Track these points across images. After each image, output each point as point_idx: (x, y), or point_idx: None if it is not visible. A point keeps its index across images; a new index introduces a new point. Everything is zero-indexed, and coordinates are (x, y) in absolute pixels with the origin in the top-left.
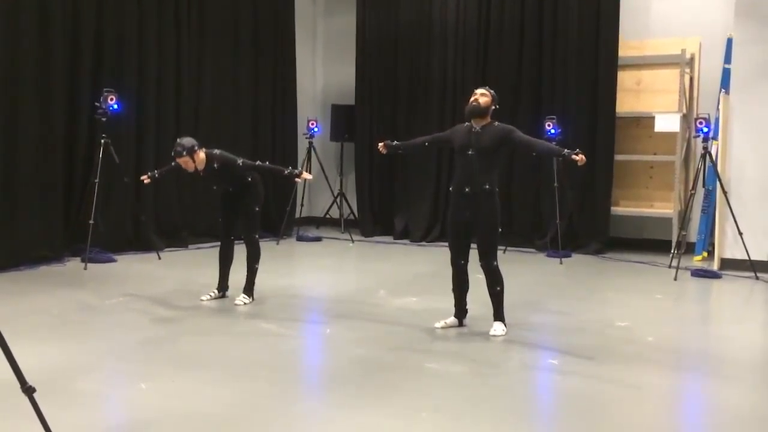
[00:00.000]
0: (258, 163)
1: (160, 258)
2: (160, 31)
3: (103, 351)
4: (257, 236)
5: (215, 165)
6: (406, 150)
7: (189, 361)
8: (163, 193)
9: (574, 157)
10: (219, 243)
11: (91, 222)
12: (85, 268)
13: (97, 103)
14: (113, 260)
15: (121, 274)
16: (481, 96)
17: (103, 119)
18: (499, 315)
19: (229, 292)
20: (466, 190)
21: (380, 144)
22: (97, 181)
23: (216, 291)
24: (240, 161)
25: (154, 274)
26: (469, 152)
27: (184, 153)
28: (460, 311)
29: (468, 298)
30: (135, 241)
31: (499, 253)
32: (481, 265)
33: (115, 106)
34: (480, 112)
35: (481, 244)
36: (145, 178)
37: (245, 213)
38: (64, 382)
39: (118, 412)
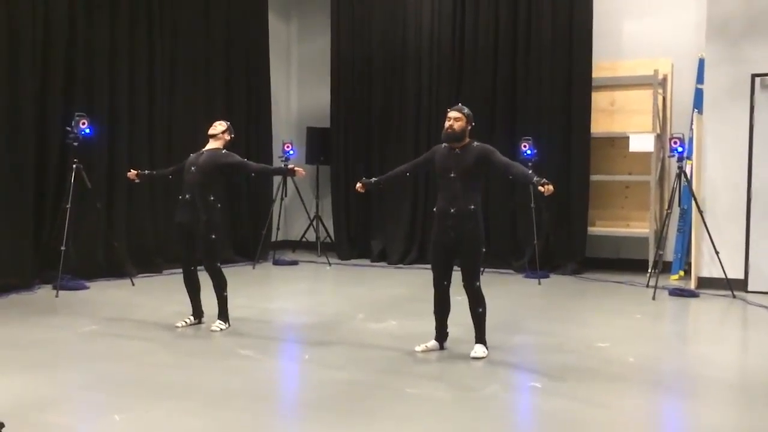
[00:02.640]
0: (254, 164)
1: (133, 284)
2: (132, 55)
3: (74, 382)
4: (218, 264)
5: (223, 150)
6: (386, 184)
7: (164, 390)
8: (137, 219)
9: (540, 188)
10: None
11: (63, 248)
12: (57, 296)
13: (68, 128)
14: (85, 287)
15: (93, 302)
16: (455, 121)
17: (75, 144)
18: (480, 337)
19: (205, 319)
20: (451, 211)
21: (358, 184)
22: (68, 206)
23: (191, 318)
24: (244, 160)
25: (128, 301)
26: (451, 174)
27: (227, 124)
28: (441, 335)
29: (449, 321)
30: (108, 267)
31: None
32: (464, 286)
33: (87, 131)
34: (456, 137)
35: (464, 264)
36: (133, 174)
37: (203, 242)
38: (34, 414)
39: None
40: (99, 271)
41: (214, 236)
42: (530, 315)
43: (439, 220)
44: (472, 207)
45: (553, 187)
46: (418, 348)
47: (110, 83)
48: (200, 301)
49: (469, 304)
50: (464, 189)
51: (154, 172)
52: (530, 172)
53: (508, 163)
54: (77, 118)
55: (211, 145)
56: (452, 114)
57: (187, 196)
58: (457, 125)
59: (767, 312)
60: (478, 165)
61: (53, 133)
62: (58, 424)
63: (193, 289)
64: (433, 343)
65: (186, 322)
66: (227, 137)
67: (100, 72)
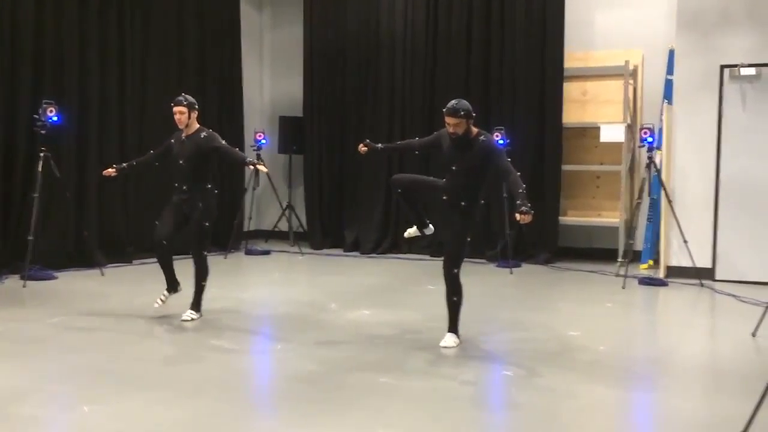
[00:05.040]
0: (232, 153)
1: (103, 274)
2: (102, 42)
3: (43, 373)
4: (205, 253)
5: (202, 134)
6: (388, 152)
7: (135, 381)
8: (107, 208)
9: (517, 213)
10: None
11: (30, 238)
12: (24, 286)
13: (35, 115)
14: (54, 277)
15: (62, 292)
16: (455, 127)
17: (42, 132)
18: (453, 326)
19: (181, 287)
20: (444, 198)
21: (361, 145)
22: (36, 195)
23: (166, 293)
24: (223, 141)
25: (98, 292)
26: (453, 168)
27: (185, 102)
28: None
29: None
30: (77, 257)
31: None
32: (443, 272)
33: (55, 119)
34: (462, 138)
35: (446, 249)
36: (111, 171)
37: (195, 227)
38: (3, 406)
39: None
40: (68, 261)
41: (207, 224)
42: (502, 304)
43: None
44: (464, 203)
45: (522, 221)
46: (406, 234)
47: (80, 70)
48: (173, 273)
49: (446, 292)
50: (463, 184)
51: (134, 163)
52: (522, 191)
53: (508, 170)
54: (45, 105)
55: (189, 129)
56: (450, 120)
57: (184, 187)
58: (459, 130)
59: (734, 300)
60: (482, 164)
61: (21, 121)
62: (27, 416)
63: (167, 263)
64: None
65: (162, 299)
66: (195, 113)
67: (69, 59)
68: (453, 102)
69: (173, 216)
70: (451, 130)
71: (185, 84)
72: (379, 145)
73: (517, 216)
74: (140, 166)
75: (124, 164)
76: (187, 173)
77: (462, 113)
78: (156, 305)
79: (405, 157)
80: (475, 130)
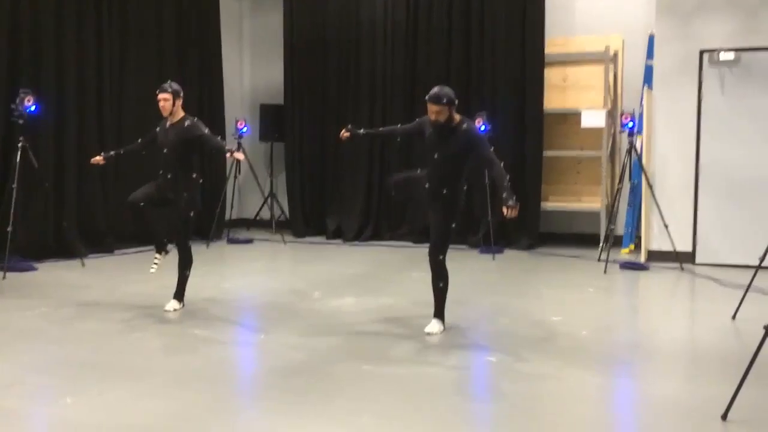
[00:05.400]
0: (215, 141)
1: (84, 265)
2: (79, 30)
3: (24, 365)
4: (189, 243)
5: (186, 123)
6: (370, 138)
7: (117, 372)
8: (87, 198)
9: (504, 207)
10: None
11: (9, 229)
12: (4, 278)
13: (12, 105)
14: (33, 269)
15: (42, 283)
16: (438, 114)
17: (20, 122)
18: (438, 312)
19: (170, 246)
20: (426, 186)
21: (342, 131)
22: (14, 186)
23: (158, 256)
24: (207, 130)
25: (78, 283)
26: (435, 156)
27: (169, 89)
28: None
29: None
30: (57, 247)
31: None
32: (429, 257)
33: (33, 108)
34: (444, 125)
35: (432, 235)
36: (99, 159)
37: (179, 216)
38: None
39: (41, 429)
40: (48, 252)
41: (192, 214)
42: (485, 290)
43: (424, 186)
44: (446, 191)
45: (508, 215)
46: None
47: (57, 59)
48: (160, 232)
49: (432, 277)
50: (445, 171)
51: (121, 151)
52: (507, 183)
53: (491, 161)
54: (22, 95)
55: (174, 117)
56: (433, 108)
57: (168, 175)
58: (441, 117)
59: (714, 284)
60: (464, 152)
61: None
62: (9, 409)
63: (149, 221)
64: None
65: (156, 263)
66: (180, 101)
67: (46, 48)
68: (436, 89)
69: (152, 188)
70: (433, 117)
71: (164, 72)
72: (362, 130)
73: (504, 210)
74: (128, 154)
75: (112, 152)
76: (172, 162)
77: (445, 100)
78: (151, 270)
79: (386, 145)
80: (457, 117)
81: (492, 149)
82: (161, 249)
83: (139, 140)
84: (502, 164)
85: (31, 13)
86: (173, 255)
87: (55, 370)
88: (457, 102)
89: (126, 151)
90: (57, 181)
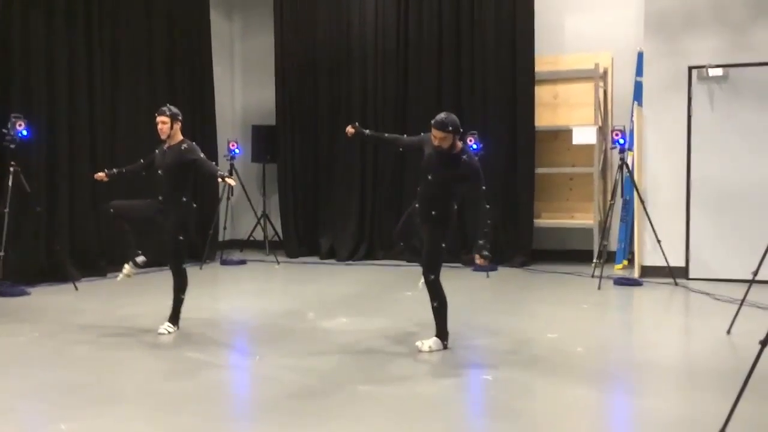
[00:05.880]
0: (209, 167)
1: (77, 289)
2: (70, 54)
3: (18, 390)
4: (183, 266)
5: (183, 146)
6: (373, 140)
7: (112, 397)
8: (79, 222)
9: (476, 253)
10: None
11: (1, 254)
12: None
13: (4, 130)
14: (26, 293)
15: (35, 308)
16: (442, 141)
17: (12, 146)
18: (437, 331)
19: (143, 259)
20: (416, 206)
21: (349, 126)
22: (6, 210)
23: (126, 266)
24: (202, 154)
25: (71, 307)
26: (429, 177)
27: (168, 112)
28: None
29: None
30: (49, 271)
31: None
32: (423, 277)
33: (24, 133)
34: (448, 154)
35: (423, 256)
36: (102, 175)
37: (170, 242)
38: None
39: None
40: (40, 277)
41: (181, 237)
42: (480, 308)
43: (414, 206)
44: (434, 213)
45: (486, 263)
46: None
47: (48, 84)
48: (129, 242)
49: (429, 297)
50: (436, 194)
51: (123, 170)
52: (487, 230)
53: (480, 200)
54: (13, 119)
55: (172, 140)
56: (437, 134)
57: (160, 197)
58: (444, 144)
59: (708, 298)
60: (459, 181)
61: None
62: None
63: (120, 229)
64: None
65: (125, 272)
66: (178, 124)
67: (36, 72)
68: (442, 115)
69: (142, 204)
70: (436, 143)
71: (155, 95)
72: (367, 131)
73: (476, 258)
74: (129, 173)
75: (114, 170)
76: (165, 184)
77: (450, 128)
78: (117, 278)
79: (384, 154)
80: (459, 145)
81: (484, 188)
82: (129, 260)
83: (141, 161)
84: (488, 209)
85: (21, 36)
86: (165, 277)
87: (49, 395)
88: (461, 131)
89: (128, 170)
90: (49, 204)
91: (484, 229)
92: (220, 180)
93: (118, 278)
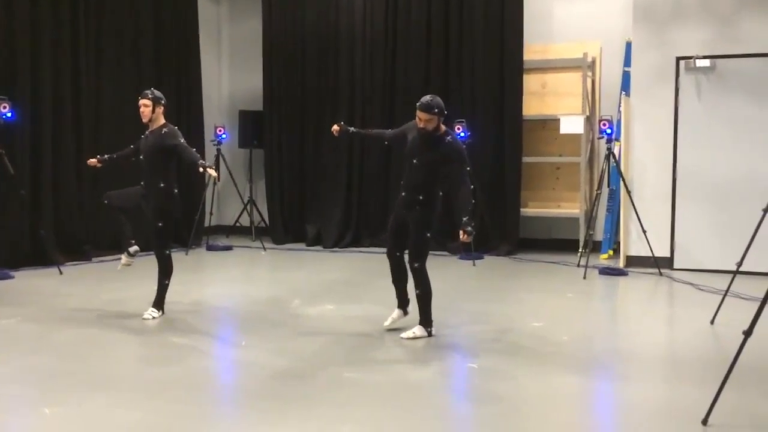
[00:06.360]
0: (189, 154)
1: (61, 273)
2: (54, 36)
3: (1, 375)
4: (167, 252)
5: (164, 130)
6: (359, 137)
7: (96, 382)
8: (64, 205)
9: (461, 230)
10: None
11: None
12: None
13: None
14: (10, 277)
15: (19, 292)
16: (427, 122)
17: None
18: (421, 318)
19: (135, 249)
20: (403, 194)
21: (334, 126)
22: None
23: (123, 256)
24: (182, 140)
25: (56, 291)
26: (414, 161)
27: (150, 96)
28: (402, 302)
29: (388, 305)
30: (33, 256)
31: None
32: (409, 265)
33: (9, 115)
34: (431, 135)
35: (410, 244)
36: (94, 161)
37: (152, 228)
38: None
39: None
40: (24, 260)
41: (161, 224)
42: (465, 296)
43: (400, 196)
44: (421, 197)
45: (470, 240)
46: (386, 323)
47: (32, 65)
48: (126, 230)
49: (414, 283)
50: (422, 178)
51: (115, 156)
52: (470, 208)
53: (464, 181)
54: None
55: (154, 124)
56: (422, 116)
57: (142, 182)
58: (429, 126)
59: (693, 289)
60: (443, 162)
61: None
62: None
63: (117, 219)
64: (397, 312)
65: (124, 262)
66: (160, 108)
67: (21, 54)
68: (427, 98)
69: (131, 192)
70: (421, 125)
71: (142, 79)
72: (352, 128)
73: (461, 234)
74: (120, 158)
75: (106, 156)
76: (145, 169)
77: (435, 110)
78: (118, 268)
79: (370, 148)
80: (443, 128)
81: (469, 169)
82: (123, 250)
83: (131, 146)
84: (472, 189)
85: (5, 18)
86: (152, 262)
87: (33, 380)
88: (446, 113)
89: (119, 156)
90: (33, 188)
91: (467, 207)
92: (201, 169)
93: (118, 268)
